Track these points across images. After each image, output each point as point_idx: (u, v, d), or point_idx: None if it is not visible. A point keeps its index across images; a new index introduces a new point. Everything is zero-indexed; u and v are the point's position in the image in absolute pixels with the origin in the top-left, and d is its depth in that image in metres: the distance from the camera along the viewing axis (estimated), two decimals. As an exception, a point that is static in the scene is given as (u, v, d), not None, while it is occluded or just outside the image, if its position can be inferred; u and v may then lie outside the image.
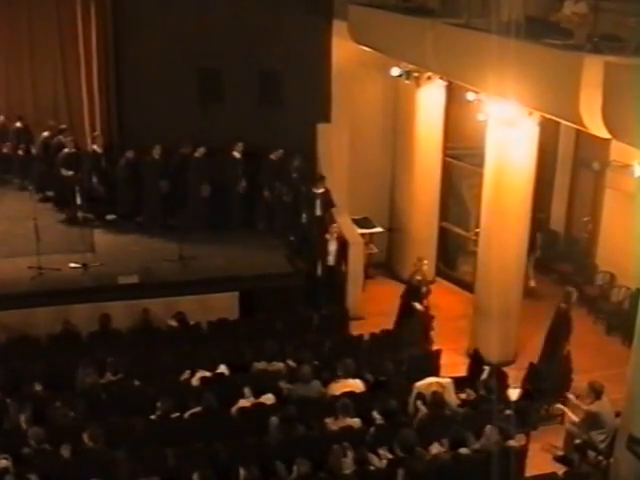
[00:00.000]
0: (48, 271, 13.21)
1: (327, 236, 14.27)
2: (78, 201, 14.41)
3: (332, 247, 14.31)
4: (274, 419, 9.76)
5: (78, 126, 16.19)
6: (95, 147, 15.61)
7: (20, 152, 16.55)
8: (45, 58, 16.22)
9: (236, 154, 15.45)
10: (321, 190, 14.91)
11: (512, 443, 9.58)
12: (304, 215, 15.06)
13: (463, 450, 9.57)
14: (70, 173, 15.26)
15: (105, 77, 15.76)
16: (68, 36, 15.92)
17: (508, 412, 10.00)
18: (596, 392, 10.30)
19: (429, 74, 14.38)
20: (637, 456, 9.24)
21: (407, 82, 14.88)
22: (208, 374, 11.03)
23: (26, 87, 16.25)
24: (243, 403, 10.31)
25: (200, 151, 15.37)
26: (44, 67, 16.29)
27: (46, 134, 16.30)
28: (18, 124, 16.60)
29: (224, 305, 13.27)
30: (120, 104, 15.88)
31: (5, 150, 16.82)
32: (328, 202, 14.95)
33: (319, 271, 14.33)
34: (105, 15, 15.49)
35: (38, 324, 12.49)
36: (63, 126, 16.33)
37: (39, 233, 13.15)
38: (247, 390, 10.43)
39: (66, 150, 15.53)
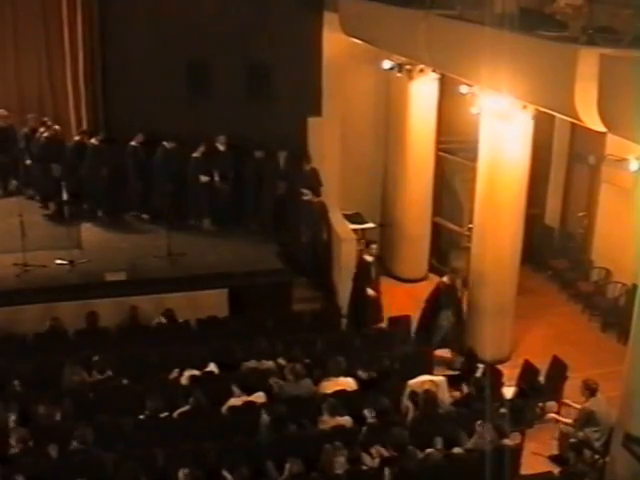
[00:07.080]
0: (34, 268, 13.05)
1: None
2: (64, 197, 14.20)
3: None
4: (265, 417, 9.66)
5: (64, 119, 15.88)
6: (219, 145, 15.18)
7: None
8: (30, 49, 15.92)
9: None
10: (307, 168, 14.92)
11: (507, 442, 9.48)
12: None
13: (456, 449, 9.45)
14: (208, 178, 14.99)
15: (91, 69, 15.52)
16: (53, 27, 15.66)
17: (503, 410, 9.89)
18: (590, 389, 10.21)
19: (421, 67, 14.26)
20: (633, 454, 9.14)
21: (399, 75, 14.76)
22: (197, 372, 10.90)
23: (10, 79, 15.96)
24: (233, 402, 10.18)
25: (283, 155, 15.16)
26: (29, 59, 15.99)
27: (134, 143, 15.22)
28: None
29: (213, 302, 13.13)
30: (106, 97, 15.65)
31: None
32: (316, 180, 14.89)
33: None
34: (91, 6, 15.27)
35: (24, 322, 12.33)
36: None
37: (25, 229, 13.00)
38: (235, 388, 10.28)
39: (195, 154, 14.99)
